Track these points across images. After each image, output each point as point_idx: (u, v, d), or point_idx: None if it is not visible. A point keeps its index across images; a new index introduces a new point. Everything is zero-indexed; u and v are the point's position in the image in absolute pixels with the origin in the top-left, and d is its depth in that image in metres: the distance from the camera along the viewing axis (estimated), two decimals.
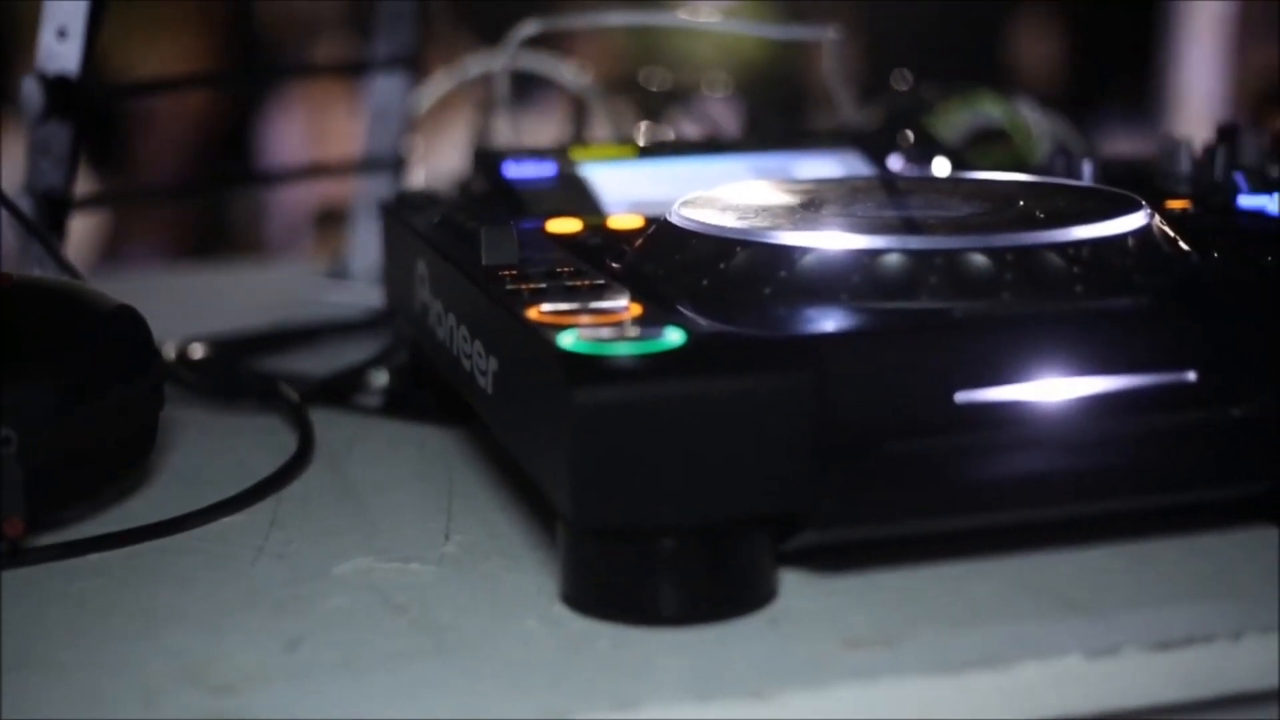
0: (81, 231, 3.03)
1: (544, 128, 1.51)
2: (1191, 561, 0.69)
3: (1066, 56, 4.21)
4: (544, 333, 0.64)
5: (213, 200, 3.58)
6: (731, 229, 0.74)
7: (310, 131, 3.48)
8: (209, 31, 3.84)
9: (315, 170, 1.54)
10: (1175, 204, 0.90)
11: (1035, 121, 1.21)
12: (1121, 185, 0.86)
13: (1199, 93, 3.93)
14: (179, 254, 3.45)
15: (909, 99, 1.26)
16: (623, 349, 0.62)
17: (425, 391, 0.94)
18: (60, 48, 0.99)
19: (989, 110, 1.22)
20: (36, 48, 0.99)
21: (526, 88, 1.36)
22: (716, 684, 0.59)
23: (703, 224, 0.76)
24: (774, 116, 1.47)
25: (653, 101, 1.46)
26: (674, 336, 0.63)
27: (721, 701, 0.58)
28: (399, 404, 0.95)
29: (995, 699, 0.60)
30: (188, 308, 1.26)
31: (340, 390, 0.97)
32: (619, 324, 0.65)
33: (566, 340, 0.63)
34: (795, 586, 0.67)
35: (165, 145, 3.65)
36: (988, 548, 0.70)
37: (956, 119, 1.22)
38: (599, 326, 0.65)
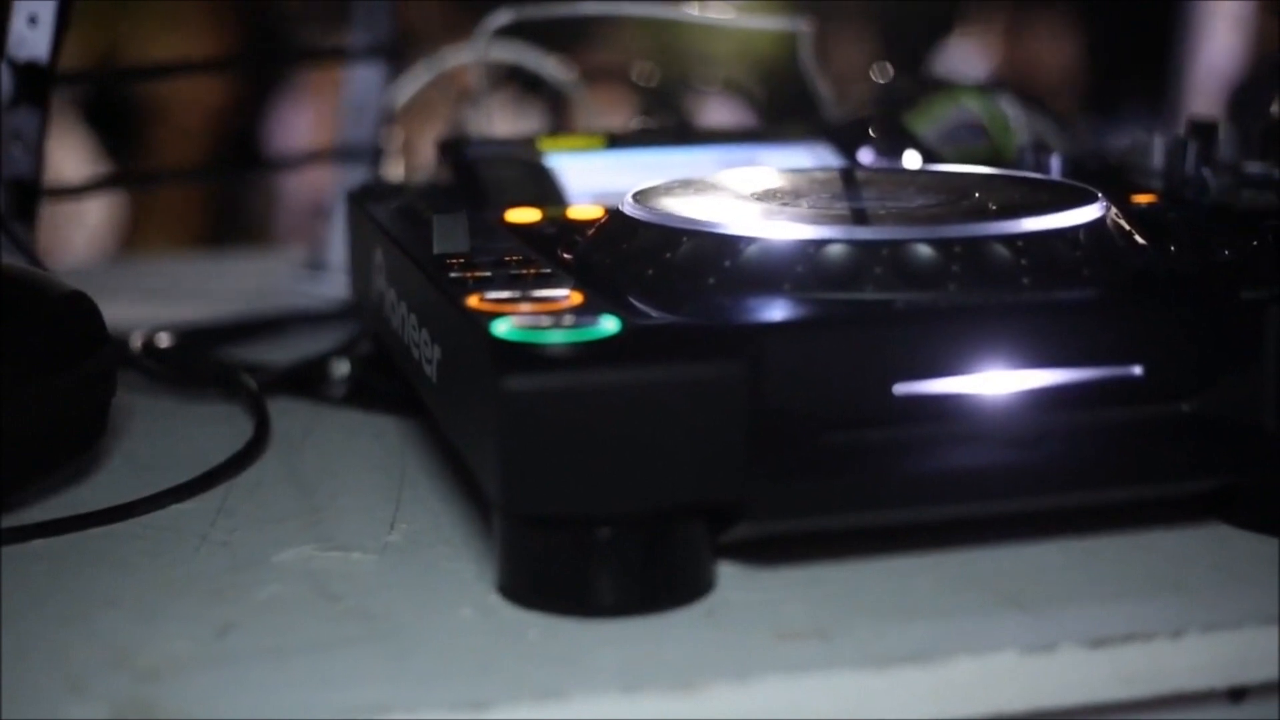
0: (99, 218, 3.05)
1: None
2: (1136, 558, 0.68)
3: (1085, 54, 4.20)
4: (479, 320, 0.64)
5: (221, 189, 3.59)
6: (677, 218, 0.73)
7: (320, 121, 3.48)
8: (225, 20, 3.85)
9: (294, 160, 1.53)
10: (1142, 198, 0.90)
11: (1014, 116, 1.21)
12: (1093, 180, 0.85)
13: (1218, 89, 3.92)
14: (194, 243, 3.46)
15: (888, 92, 1.25)
16: (555, 337, 0.62)
17: (389, 381, 0.93)
18: (31, 34, 0.99)
19: (969, 104, 1.22)
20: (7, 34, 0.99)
21: (532, 80, 1.36)
22: (646, 675, 0.59)
23: (650, 213, 0.75)
24: (784, 111, 1.46)
25: (644, 96, 1.46)
26: (608, 325, 0.63)
27: (647, 693, 0.58)
28: (361, 394, 0.95)
29: (926, 695, 0.60)
30: (163, 295, 1.26)
31: (302, 379, 0.96)
32: (556, 313, 0.65)
33: (500, 328, 0.63)
34: (735, 578, 0.66)
35: (179, 132, 3.66)
36: (930, 541, 0.69)
37: (937, 113, 1.21)
38: (536, 315, 0.64)
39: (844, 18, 3.86)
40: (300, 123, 3.52)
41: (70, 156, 3.13)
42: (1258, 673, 0.63)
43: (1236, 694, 0.64)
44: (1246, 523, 0.71)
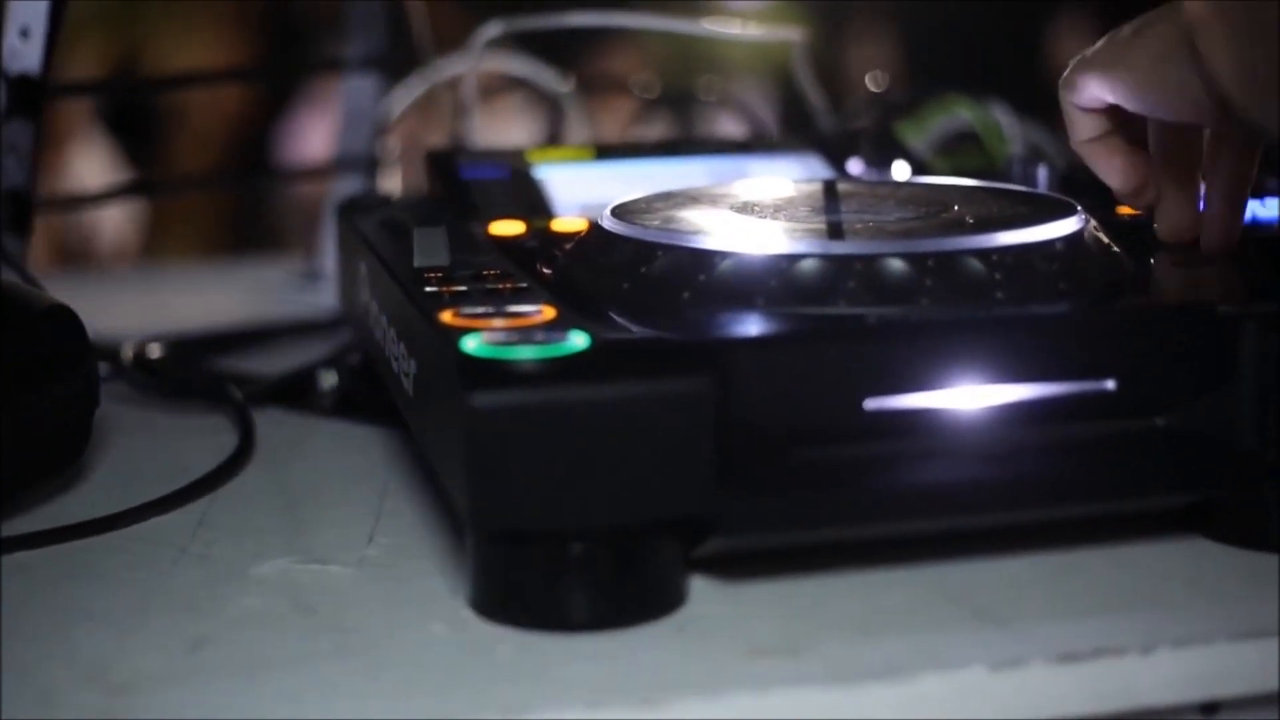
0: (117, 227, 3.06)
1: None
2: (1107, 573, 0.68)
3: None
4: (449, 335, 0.64)
5: (239, 198, 3.61)
6: (653, 232, 0.74)
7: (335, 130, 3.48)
8: (244, 29, 3.86)
9: (294, 171, 1.54)
10: (1128, 210, 0.90)
11: (1008, 125, 1.20)
12: (1082, 191, 0.85)
13: None
14: (214, 249, 3.48)
15: (881, 101, 1.25)
16: (523, 353, 0.62)
17: (377, 393, 0.93)
18: (23, 47, 0.99)
19: (962, 113, 1.22)
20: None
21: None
22: (616, 691, 0.59)
23: (626, 227, 0.75)
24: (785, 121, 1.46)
25: (644, 107, 1.46)
26: (578, 341, 0.63)
27: (617, 708, 0.58)
28: (348, 405, 0.95)
29: (896, 711, 0.60)
30: (160, 304, 1.26)
31: (291, 391, 0.97)
32: (527, 328, 0.65)
33: (469, 344, 0.63)
34: (706, 594, 0.66)
35: (198, 141, 3.67)
36: (900, 557, 0.69)
37: (931, 122, 1.21)
38: (507, 331, 0.64)
39: (847, 25, 3.85)
40: (317, 131, 3.53)
41: (93, 164, 3.15)
42: (1230, 688, 0.63)
43: (1208, 709, 0.64)
44: (1220, 537, 0.71)
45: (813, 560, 0.69)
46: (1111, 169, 0.81)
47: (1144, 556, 0.70)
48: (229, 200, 3.69)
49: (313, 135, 3.50)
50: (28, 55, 0.99)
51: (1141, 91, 0.75)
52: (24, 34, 0.99)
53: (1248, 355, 0.68)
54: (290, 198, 3.57)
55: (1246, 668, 0.62)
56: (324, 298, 1.25)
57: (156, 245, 3.46)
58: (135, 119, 3.56)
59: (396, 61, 1.27)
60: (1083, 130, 0.81)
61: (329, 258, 1.29)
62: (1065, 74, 0.80)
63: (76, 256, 3.23)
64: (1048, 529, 0.71)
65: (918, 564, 0.69)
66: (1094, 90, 0.78)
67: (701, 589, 0.67)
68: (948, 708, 0.60)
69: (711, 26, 1.30)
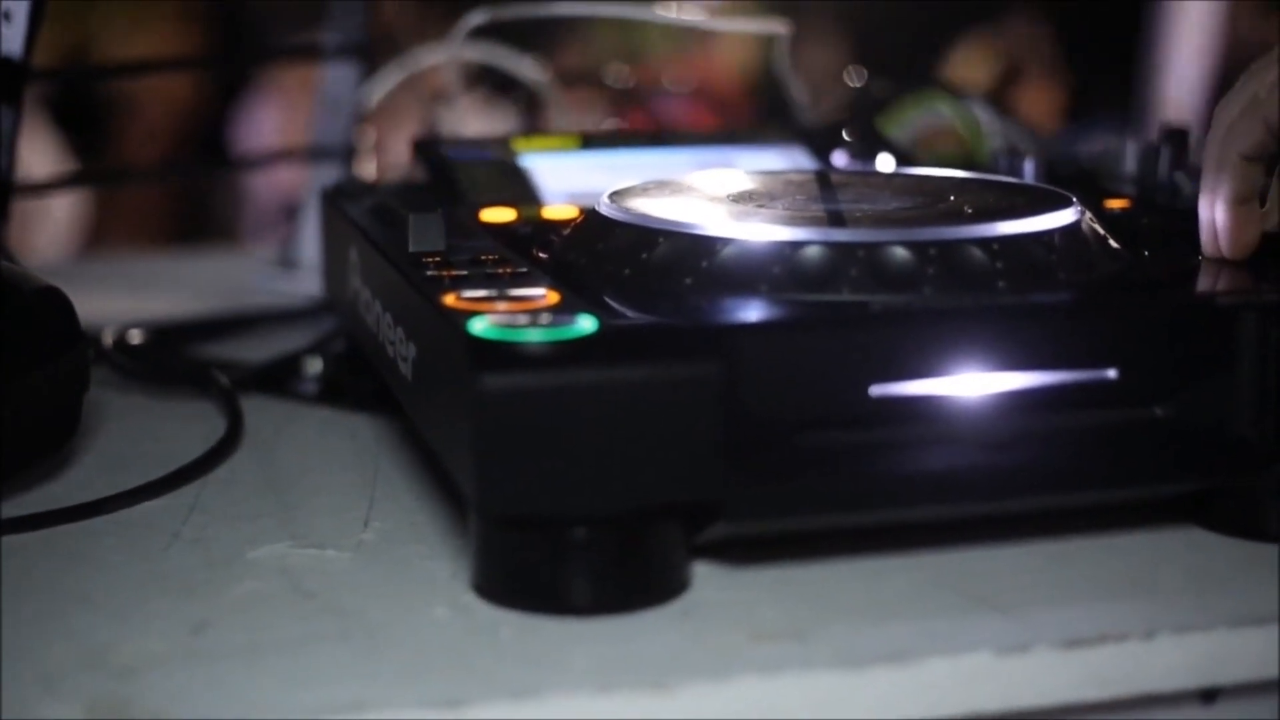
0: (66, 216, 3.05)
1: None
2: (1109, 560, 0.69)
3: (1060, 61, 4.21)
4: (456, 318, 0.64)
5: (189, 188, 3.59)
6: (655, 219, 0.74)
7: (288, 120, 3.47)
8: (194, 19, 3.85)
9: (266, 158, 1.53)
10: (1116, 203, 0.90)
11: (986, 120, 1.21)
12: (1067, 184, 0.86)
13: (1188, 96, 3.93)
14: (162, 241, 3.46)
15: (861, 96, 1.25)
16: (532, 336, 0.62)
17: (362, 379, 0.93)
18: (5, 31, 0.99)
19: (941, 108, 1.22)
20: None
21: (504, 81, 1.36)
22: (621, 675, 0.59)
23: (627, 214, 0.75)
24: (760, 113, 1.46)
25: (618, 97, 1.46)
26: (586, 324, 0.63)
27: (621, 692, 0.58)
28: (334, 391, 0.95)
29: (902, 695, 0.60)
30: (134, 292, 1.26)
31: (276, 377, 0.96)
32: (533, 311, 0.65)
33: (477, 326, 0.63)
34: (709, 578, 0.67)
35: (147, 132, 3.65)
36: (905, 543, 0.69)
37: (909, 116, 1.21)
38: (513, 314, 0.64)
39: (821, 21, 3.86)
40: (268, 122, 3.52)
41: (38, 154, 3.12)
42: (1229, 674, 0.63)
43: (1208, 695, 0.64)
44: (1218, 526, 0.71)
45: (817, 546, 0.69)
46: (1246, 235, 0.77)
47: (1142, 545, 0.70)
48: (171, 192, 3.67)
49: (262, 127, 3.49)
50: (10, 39, 0.99)
51: None
52: (6, 17, 0.99)
53: (1246, 345, 0.68)
54: (237, 189, 3.56)
55: (1245, 654, 0.63)
56: (299, 285, 1.25)
57: (101, 236, 3.44)
58: (81, 110, 3.54)
59: (374, 50, 1.27)
60: (1241, 186, 0.77)
61: (304, 245, 1.29)
62: (1229, 124, 0.76)
63: (17, 247, 3.20)
64: (1049, 517, 0.71)
65: (921, 550, 0.69)
66: (1273, 130, 0.74)
67: (705, 574, 0.67)
68: (953, 692, 0.60)
69: (695, 18, 1.30)
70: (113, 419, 0.90)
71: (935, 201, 0.78)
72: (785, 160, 1.02)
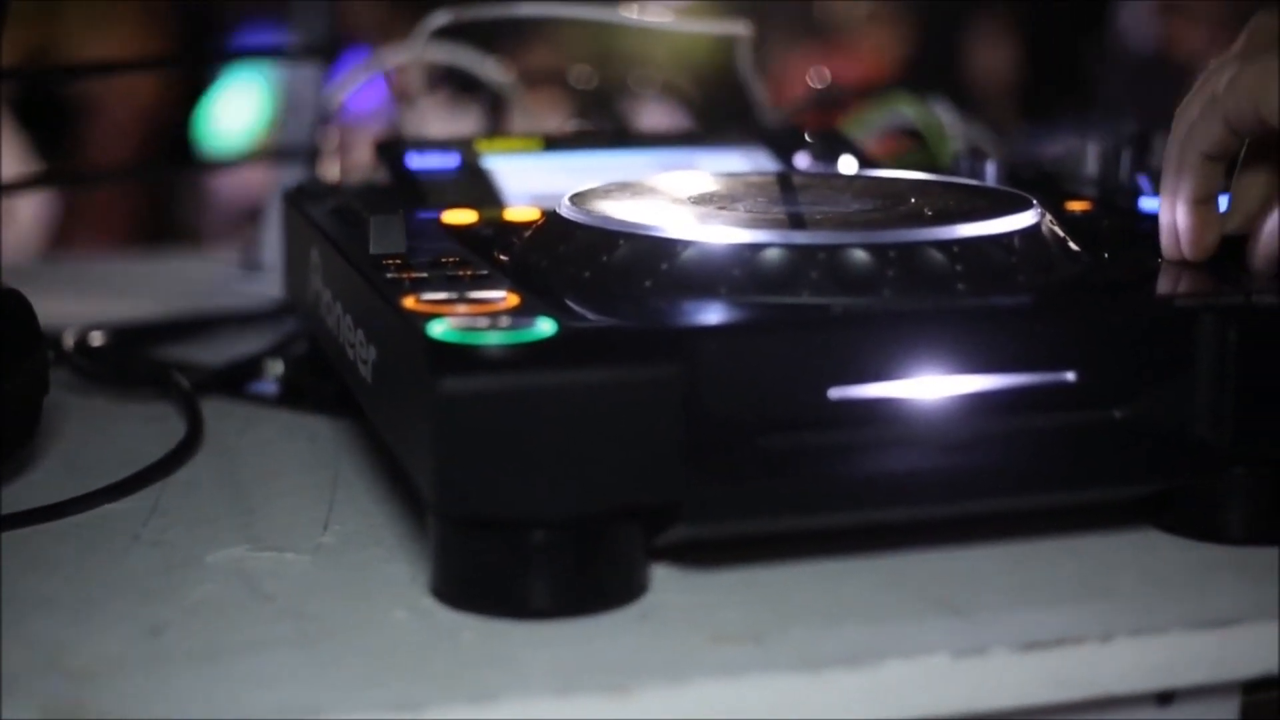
0: (29, 217, 3.04)
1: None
2: (1067, 562, 0.69)
3: (1022, 65, 4.23)
4: (415, 321, 0.64)
5: (153, 190, 3.58)
6: (615, 221, 0.74)
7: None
8: (157, 20, 3.84)
9: (231, 159, 1.53)
10: (1076, 205, 0.90)
11: (949, 123, 1.21)
12: (1028, 187, 0.86)
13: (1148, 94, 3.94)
14: (125, 243, 3.45)
15: (823, 97, 1.25)
16: (491, 338, 0.62)
17: (323, 382, 0.93)
18: None
19: (903, 110, 1.22)
20: None
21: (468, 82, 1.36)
22: (579, 678, 0.58)
23: (587, 216, 0.75)
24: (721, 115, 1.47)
25: (581, 99, 1.46)
26: (545, 327, 0.63)
27: (580, 695, 0.58)
28: (295, 394, 0.94)
29: (860, 698, 0.60)
30: (97, 293, 1.25)
31: (237, 380, 0.96)
32: (493, 314, 0.65)
33: (436, 329, 0.63)
34: (668, 581, 0.67)
35: (111, 133, 3.64)
36: (863, 545, 0.69)
37: (871, 118, 1.22)
38: (473, 316, 0.64)
39: (781, 21, 3.87)
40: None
41: (1, 155, 3.11)
42: (1186, 677, 0.63)
43: (1165, 697, 0.64)
44: (1176, 528, 0.71)
45: (775, 549, 0.69)
46: (1206, 236, 0.77)
47: (1098, 547, 0.71)
48: (136, 193, 3.66)
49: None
50: None
51: None
52: None
53: (1205, 348, 0.69)
54: (202, 191, 3.55)
55: (1202, 657, 0.63)
56: (262, 287, 1.24)
57: (65, 237, 3.43)
58: (45, 111, 3.52)
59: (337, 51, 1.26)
60: (1202, 185, 0.77)
61: (267, 247, 1.29)
62: (1189, 124, 0.76)
63: None
64: (1007, 519, 0.71)
65: (880, 553, 0.69)
66: (1233, 128, 0.74)
67: (664, 577, 0.67)
68: (913, 694, 0.60)
69: (657, 19, 1.30)
70: (73, 421, 0.90)
71: (896, 204, 0.78)
72: (748, 162, 1.02)
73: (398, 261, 0.74)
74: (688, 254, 0.70)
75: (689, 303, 0.68)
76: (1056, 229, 0.76)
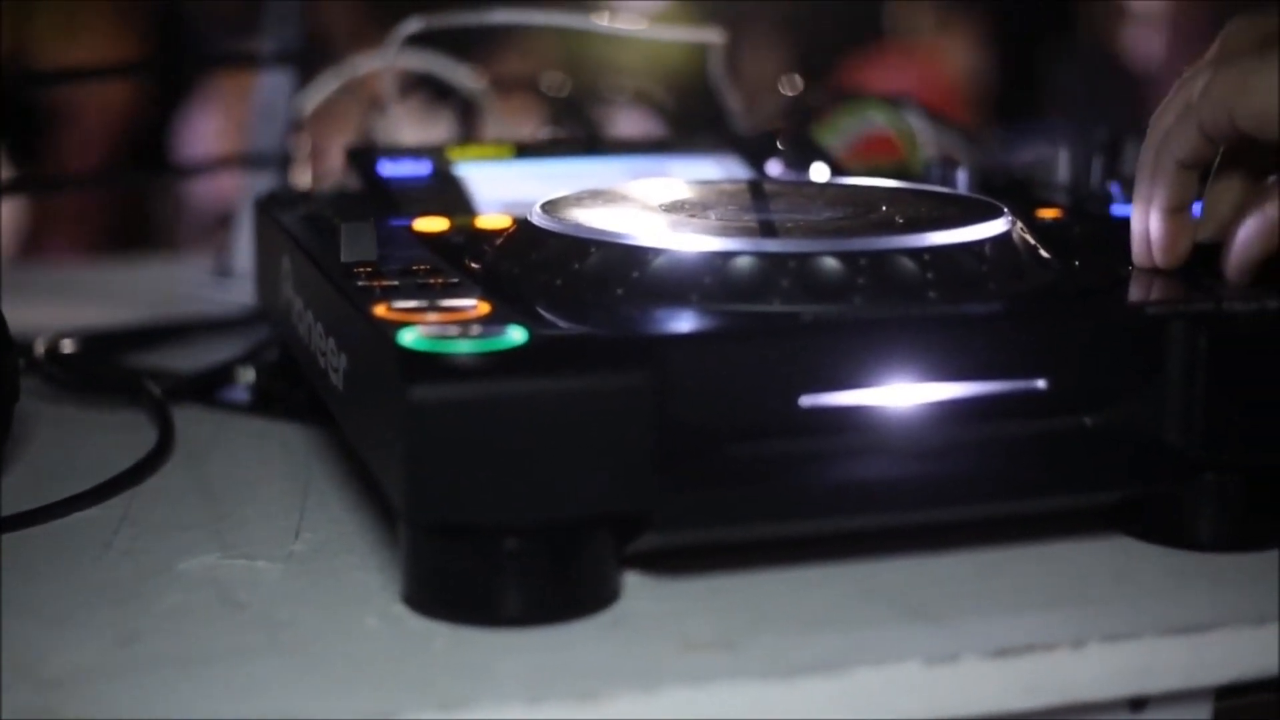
0: (1, 224, 3.03)
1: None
2: (1038, 569, 0.69)
3: (992, 68, 4.24)
4: (386, 329, 0.64)
5: (127, 196, 3.58)
6: (586, 229, 0.74)
7: (230, 128, 3.47)
8: (131, 25, 3.84)
9: (204, 166, 1.53)
10: (1048, 213, 0.91)
11: (921, 130, 1.21)
12: (999, 194, 0.86)
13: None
14: (99, 249, 3.44)
15: (796, 104, 1.25)
16: (462, 347, 0.62)
17: (295, 389, 0.93)
18: None
19: (876, 117, 1.22)
20: None
21: (441, 89, 1.36)
22: (550, 685, 0.59)
23: (559, 224, 0.75)
24: (693, 122, 1.46)
25: (553, 106, 1.46)
26: (516, 335, 0.63)
27: (551, 703, 0.58)
28: (266, 402, 0.94)
29: (831, 705, 0.60)
30: (69, 300, 1.25)
31: (208, 387, 0.96)
32: (464, 322, 0.65)
33: (407, 337, 0.63)
34: (639, 589, 0.67)
35: (84, 139, 3.64)
36: (835, 553, 0.69)
37: (844, 125, 1.22)
38: (443, 324, 0.64)
39: (755, 29, 3.87)
40: (207, 129, 3.51)
41: None
42: (1158, 683, 0.64)
43: (1137, 704, 0.64)
44: (1147, 535, 0.72)
45: (746, 557, 0.69)
46: (1180, 244, 0.77)
47: (1069, 553, 0.71)
48: (109, 199, 3.66)
49: (202, 134, 3.48)
50: None
51: None
52: None
53: (1176, 355, 0.69)
54: (176, 197, 3.55)
55: (1174, 663, 0.63)
56: (235, 294, 1.24)
57: (37, 243, 3.42)
58: (17, 116, 3.52)
59: (310, 58, 1.26)
60: (1177, 194, 0.77)
61: (240, 254, 1.28)
62: (1164, 131, 0.76)
63: None
64: (979, 526, 0.71)
65: (852, 560, 0.69)
66: (1208, 135, 0.74)
67: (635, 584, 0.67)
68: (884, 702, 0.60)
69: (629, 27, 1.31)
70: (44, 429, 0.90)
71: (867, 211, 0.78)
72: (720, 169, 1.02)
73: (369, 269, 0.74)
74: (659, 262, 0.70)
75: (660, 311, 0.68)
76: (1028, 236, 0.76)
